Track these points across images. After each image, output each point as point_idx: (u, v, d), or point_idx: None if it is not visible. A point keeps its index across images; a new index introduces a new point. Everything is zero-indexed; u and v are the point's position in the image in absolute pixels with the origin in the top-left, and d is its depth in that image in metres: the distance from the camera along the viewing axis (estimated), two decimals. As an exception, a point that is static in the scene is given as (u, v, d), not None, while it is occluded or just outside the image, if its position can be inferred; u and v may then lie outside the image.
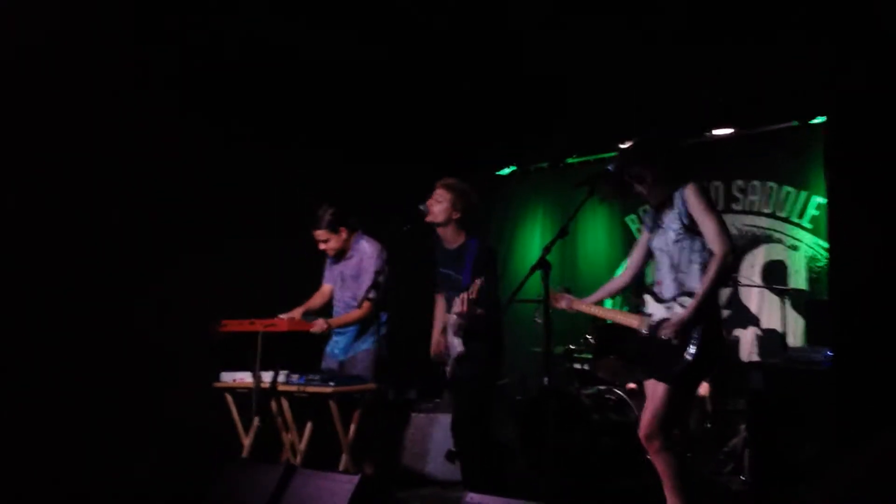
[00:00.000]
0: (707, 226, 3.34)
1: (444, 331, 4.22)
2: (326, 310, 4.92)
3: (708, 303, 3.31)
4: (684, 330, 3.32)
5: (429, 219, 4.13)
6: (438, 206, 4.12)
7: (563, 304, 3.90)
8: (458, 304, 3.90)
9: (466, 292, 3.83)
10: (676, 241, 3.45)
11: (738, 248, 3.38)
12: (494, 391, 4.20)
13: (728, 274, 3.37)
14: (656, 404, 3.37)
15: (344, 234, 4.78)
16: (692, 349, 3.31)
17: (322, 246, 4.79)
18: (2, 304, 4.43)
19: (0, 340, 4.39)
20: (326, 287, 4.97)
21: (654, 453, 3.38)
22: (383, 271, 4.65)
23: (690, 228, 3.40)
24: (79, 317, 4.66)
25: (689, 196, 3.39)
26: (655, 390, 3.40)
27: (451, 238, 4.16)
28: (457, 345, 4.02)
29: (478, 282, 3.80)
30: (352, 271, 4.80)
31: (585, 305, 3.86)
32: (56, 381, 4.54)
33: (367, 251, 4.76)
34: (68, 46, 4.56)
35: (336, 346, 4.87)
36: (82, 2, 4.41)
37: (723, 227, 3.35)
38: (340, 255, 4.85)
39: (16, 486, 4.29)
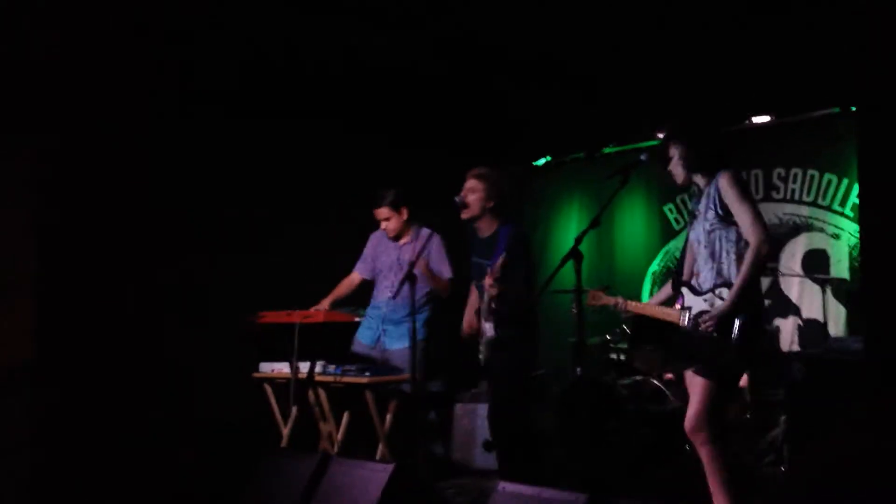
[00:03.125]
0: (741, 215, 3.27)
1: (476, 313, 4.24)
2: (354, 298, 4.95)
3: (747, 294, 3.25)
4: (724, 322, 3.25)
5: (465, 214, 4.16)
6: (473, 196, 4.14)
7: (610, 302, 3.79)
8: (486, 288, 3.94)
9: (491, 270, 3.87)
10: (711, 232, 3.38)
11: (773, 237, 3.29)
12: (531, 379, 4.21)
13: (764, 264, 3.29)
14: (699, 399, 3.31)
15: (405, 216, 4.84)
16: (733, 342, 3.24)
17: (383, 225, 4.85)
18: (42, 297, 4.53)
19: (42, 336, 4.50)
20: (356, 276, 4.99)
21: (699, 446, 3.34)
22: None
23: (724, 218, 3.33)
24: (118, 309, 4.75)
25: (723, 184, 3.31)
26: (697, 384, 3.34)
27: (486, 227, 4.19)
28: (488, 329, 4.03)
29: (500, 259, 3.82)
30: (412, 254, 4.76)
31: (634, 304, 3.81)
32: (96, 373, 4.64)
33: (430, 235, 4.67)
34: (97, 47, 4.65)
35: (384, 335, 4.87)
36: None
37: (758, 217, 3.26)
38: (396, 238, 4.89)
39: (58, 480, 4.39)
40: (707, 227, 3.39)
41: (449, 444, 5.53)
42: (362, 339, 4.93)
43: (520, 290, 4.02)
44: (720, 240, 3.36)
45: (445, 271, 4.78)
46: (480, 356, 4.17)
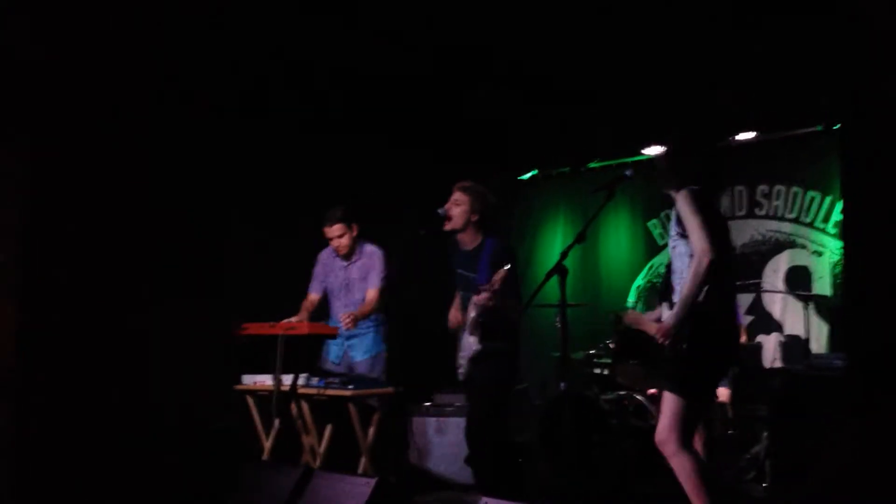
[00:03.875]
0: (690, 230, 3.33)
1: (460, 329, 4.22)
2: (315, 318, 4.93)
3: (694, 306, 3.30)
4: (671, 334, 3.32)
5: (448, 225, 4.15)
6: (457, 209, 4.14)
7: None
8: (473, 304, 3.91)
9: (488, 284, 3.84)
10: (674, 247, 3.47)
11: (715, 251, 3.28)
12: (510, 393, 4.20)
13: (705, 277, 3.28)
14: (663, 410, 3.39)
15: (356, 232, 4.85)
16: (681, 353, 3.33)
17: (335, 242, 4.84)
18: (26, 303, 4.50)
19: (25, 342, 4.46)
20: (313, 296, 5.01)
21: (668, 458, 3.39)
22: (389, 271, 4.72)
23: (683, 234, 3.40)
24: (99, 319, 4.72)
25: (680, 202, 3.39)
26: (665, 397, 3.42)
27: (469, 240, 4.18)
28: (472, 343, 4.01)
29: (501, 271, 3.80)
30: (358, 273, 4.87)
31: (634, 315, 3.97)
32: (79, 380, 4.60)
33: (373, 252, 4.86)
34: (86, 52, 4.64)
35: (350, 349, 4.93)
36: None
37: (704, 231, 3.29)
38: (347, 256, 4.90)
39: (39, 487, 4.35)
40: (671, 243, 3.49)
41: (429, 458, 5.50)
42: (329, 357, 5.00)
43: (509, 303, 4.02)
44: (682, 255, 3.42)
45: (375, 282, 4.81)
46: (460, 370, 4.15)
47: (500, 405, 4.05)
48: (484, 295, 3.87)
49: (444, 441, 5.44)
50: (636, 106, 6.01)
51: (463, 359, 4.10)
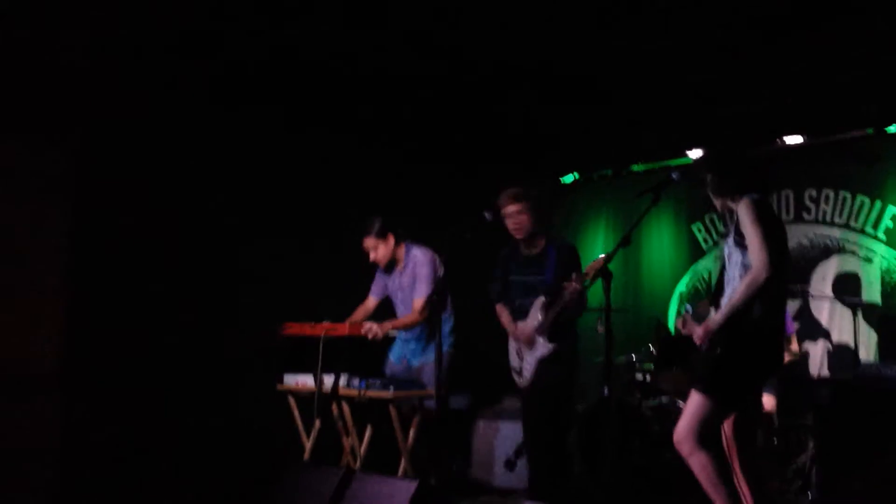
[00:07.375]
0: (751, 241, 3.31)
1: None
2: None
3: (738, 314, 3.30)
4: (710, 336, 3.35)
5: (519, 234, 4.21)
6: (520, 217, 4.19)
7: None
8: (537, 308, 3.93)
9: (572, 282, 3.86)
10: (730, 255, 3.46)
11: (776, 266, 3.27)
12: (572, 396, 4.23)
13: (758, 291, 3.27)
14: (686, 410, 3.41)
15: (391, 242, 4.79)
16: (715, 357, 3.35)
17: (372, 255, 4.81)
18: (71, 305, 4.56)
19: (70, 343, 4.52)
20: (371, 301, 4.99)
21: (685, 457, 3.40)
22: (436, 275, 4.66)
23: (740, 243, 3.38)
24: (144, 317, 4.78)
25: (741, 211, 3.37)
26: (690, 396, 3.43)
27: (531, 245, 4.20)
28: (540, 345, 4.01)
29: (575, 275, 3.86)
30: (408, 281, 4.82)
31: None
32: (122, 380, 4.66)
33: (419, 258, 4.78)
34: (124, 50, 4.68)
35: (407, 352, 4.90)
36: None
37: (765, 244, 3.27)
38: (392, 266, 4.87)
39: (84, 486, 4.41)
40: (727, 250, 3.49)
41: (469, 461, 5.48)
42: (391, 357, 4.98)
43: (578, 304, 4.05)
44: (737, 264, 3.41)
45: (422, 291, 4.71)
46: (524, 371, 4.15)
47: (564, 407, 4.07)
48: (572, 287, 3.88)
49: (486, 445, 5.43)
50: (680, 108, 5.94)
51: (528, 363, 4.09)
